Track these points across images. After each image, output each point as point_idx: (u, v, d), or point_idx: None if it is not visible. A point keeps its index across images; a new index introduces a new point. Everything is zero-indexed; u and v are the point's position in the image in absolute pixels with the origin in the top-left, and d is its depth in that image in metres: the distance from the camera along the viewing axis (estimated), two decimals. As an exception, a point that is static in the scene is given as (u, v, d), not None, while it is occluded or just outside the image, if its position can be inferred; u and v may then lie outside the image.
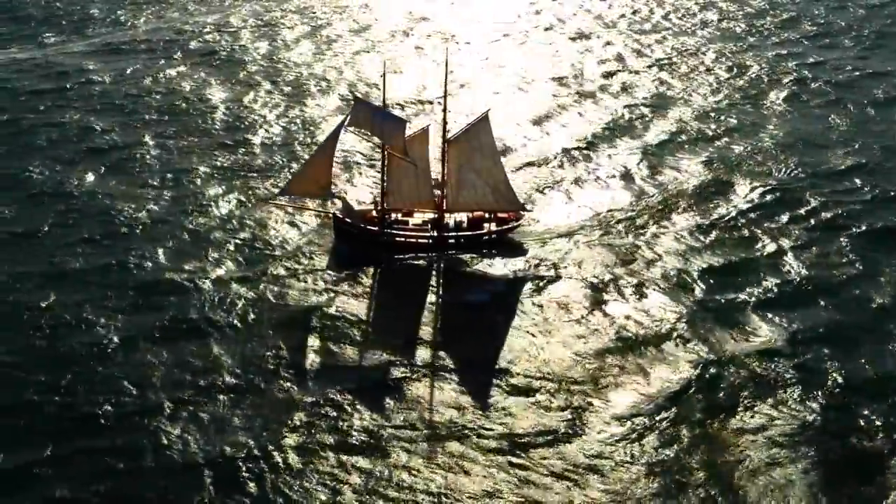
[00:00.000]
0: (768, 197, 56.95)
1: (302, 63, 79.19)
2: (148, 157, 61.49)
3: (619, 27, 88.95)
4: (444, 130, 50.66)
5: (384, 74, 53.21)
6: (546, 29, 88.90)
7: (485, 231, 51.32)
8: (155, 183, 58.07)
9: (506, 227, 51.61)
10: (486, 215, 51.56)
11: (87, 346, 42.28)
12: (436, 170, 51.61)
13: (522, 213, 51.99)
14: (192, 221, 53.57)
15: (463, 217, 51.63)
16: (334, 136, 51.21)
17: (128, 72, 76.15)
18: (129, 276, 48.04)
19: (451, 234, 50.96)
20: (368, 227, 50.73)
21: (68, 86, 72.80)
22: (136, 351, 42.30)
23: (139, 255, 49.90)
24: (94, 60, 78.70)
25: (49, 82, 73.52)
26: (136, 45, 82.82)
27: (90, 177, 58.30)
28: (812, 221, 54.27)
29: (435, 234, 50.90)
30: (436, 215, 51.20)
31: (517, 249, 50.70)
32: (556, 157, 62.14)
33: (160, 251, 50.33)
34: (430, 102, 69.14)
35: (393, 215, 51.56)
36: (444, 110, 51.03)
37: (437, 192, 51.32)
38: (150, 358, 41.86)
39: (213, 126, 66.58)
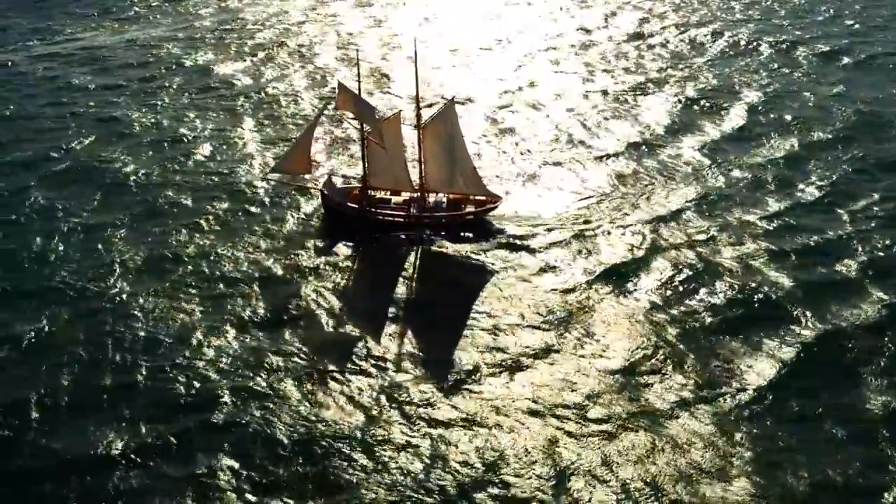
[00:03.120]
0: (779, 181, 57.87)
1: (285, 55, 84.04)
2: (135, 156, 64.19)
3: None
4: (418, 115, 53.14)
5: (357, 63, 56.84)
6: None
7: (463, 212, 53.48)
8: (146, 171, 61.46)
9: (483, 208, 53.72)
10: (467, 197, 53.82)
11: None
12: (412, 154, 54.33)
13: (497, 195, 54.02)
14: (186, 200, 57.15)
15: (443, 198, 54.07)
16: (315, 120, 55.32)
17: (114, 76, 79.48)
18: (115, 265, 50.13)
19: (429, 213, 53.39)
20: (351, 204, 53.69)
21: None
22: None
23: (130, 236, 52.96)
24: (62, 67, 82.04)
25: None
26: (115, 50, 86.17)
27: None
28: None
29: (413, 211, 53.44)
30: (414, 196, 53.79)
31: (496, 231, 52.61)
32: (538, 144, 64.39)
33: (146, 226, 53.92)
34: (401, 93, 72.60)
35: (379, 194, 54.33)
36: (417, 97, 53.60)
37: (416, 174, 53.80)
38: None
39: (201, 117, 70.40)
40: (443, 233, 52.42)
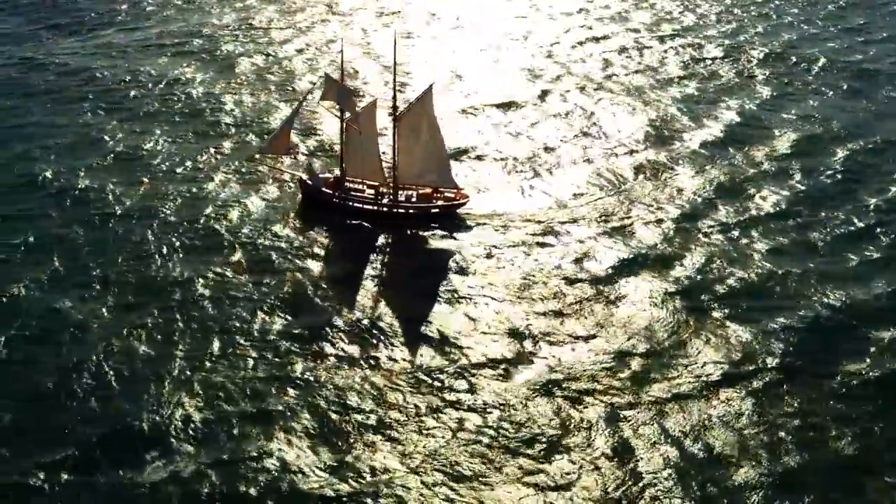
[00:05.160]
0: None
1: (272, 46, 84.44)
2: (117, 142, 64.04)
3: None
4: (394, 105, 54.13)
5: (342, 51, 57.81)
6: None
7: (432, 205, 54.66)
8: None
9: (452, 203, 54.83)
10: (436, 192, 54.86)
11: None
12: (386, 144, 55.70)
13: (464, 192, 55.06)
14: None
15: (413, 192, 55.21)
16: (298, 106, 57.60)
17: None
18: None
19: (398, 205, 54.60)
20: (324, 191, 54.72)
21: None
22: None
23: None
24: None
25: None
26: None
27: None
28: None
29: (385, 202, 54.57)
30: (386, 187, 54.93)
31: (463, 227, 53.63)
32: (512, 140, 65.36)
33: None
34: (383, 77, 74.21)
35: (355, 183, 55.53)
36: (395, 87, 54.86)
37: (388, 165, 54.98)
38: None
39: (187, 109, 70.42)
40: (411, 225, 53.71)
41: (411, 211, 54.38)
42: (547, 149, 63.58)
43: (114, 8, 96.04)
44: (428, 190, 54.82)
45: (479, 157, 62.39)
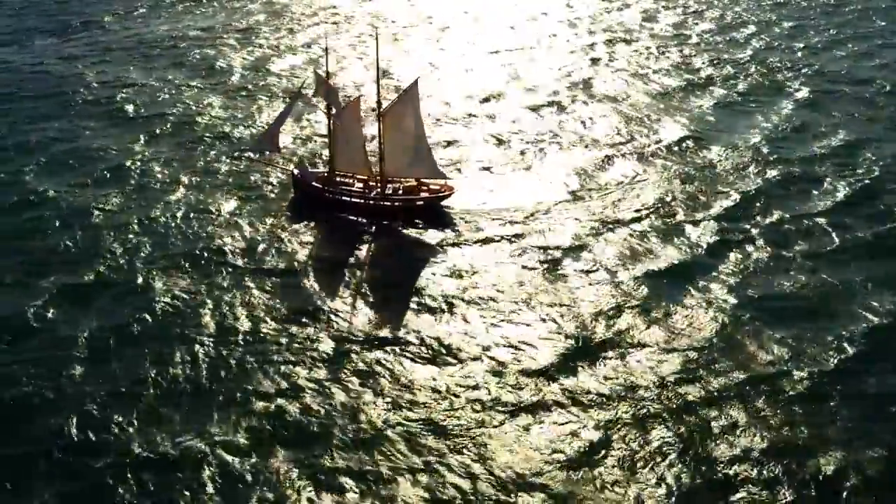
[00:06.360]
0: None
1: (271, 49, 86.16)
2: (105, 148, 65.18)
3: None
4: (379, 100, 55.45)
5: (326, 49, 60.48)
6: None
7: (417, 197, 56.12)
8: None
9: (436, 196, 56.27)
10: (421, 185, 56.27)
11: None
12: (372, 139, 57.17)
13: (451, 185, 56.43)
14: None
15: (399, 185, 56.73)
16: (291, 103, 59.71)
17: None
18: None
19: (386, 198, 56.13)
20: (314, 184, 56.63)
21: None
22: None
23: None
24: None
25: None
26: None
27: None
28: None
29: (372, 195, 56.22)
30: (372, 181, 56.48)
31: (448, 220, 54.59)
32: (499, 136, 66.33)
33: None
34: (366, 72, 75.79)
35: (345, 178, 57.10)
36: (378, 82, 55.91)
37: (374, 160, 56.63)
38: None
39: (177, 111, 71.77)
40: (398, 218, 54.80)
41: (397, 204, 55.55)
42: (561, 150, 63.92)
43: (106, 12, 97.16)
44: (413, 182, 56.07)
45: (490, 156, 63.00)
